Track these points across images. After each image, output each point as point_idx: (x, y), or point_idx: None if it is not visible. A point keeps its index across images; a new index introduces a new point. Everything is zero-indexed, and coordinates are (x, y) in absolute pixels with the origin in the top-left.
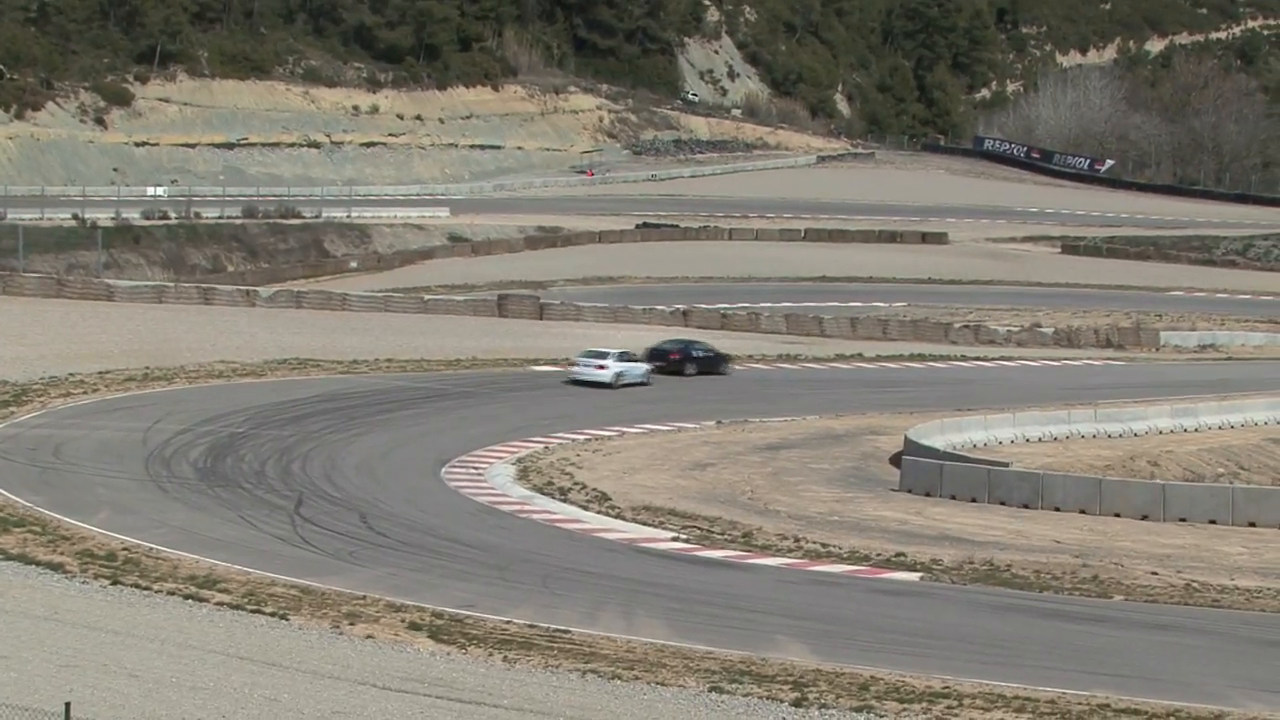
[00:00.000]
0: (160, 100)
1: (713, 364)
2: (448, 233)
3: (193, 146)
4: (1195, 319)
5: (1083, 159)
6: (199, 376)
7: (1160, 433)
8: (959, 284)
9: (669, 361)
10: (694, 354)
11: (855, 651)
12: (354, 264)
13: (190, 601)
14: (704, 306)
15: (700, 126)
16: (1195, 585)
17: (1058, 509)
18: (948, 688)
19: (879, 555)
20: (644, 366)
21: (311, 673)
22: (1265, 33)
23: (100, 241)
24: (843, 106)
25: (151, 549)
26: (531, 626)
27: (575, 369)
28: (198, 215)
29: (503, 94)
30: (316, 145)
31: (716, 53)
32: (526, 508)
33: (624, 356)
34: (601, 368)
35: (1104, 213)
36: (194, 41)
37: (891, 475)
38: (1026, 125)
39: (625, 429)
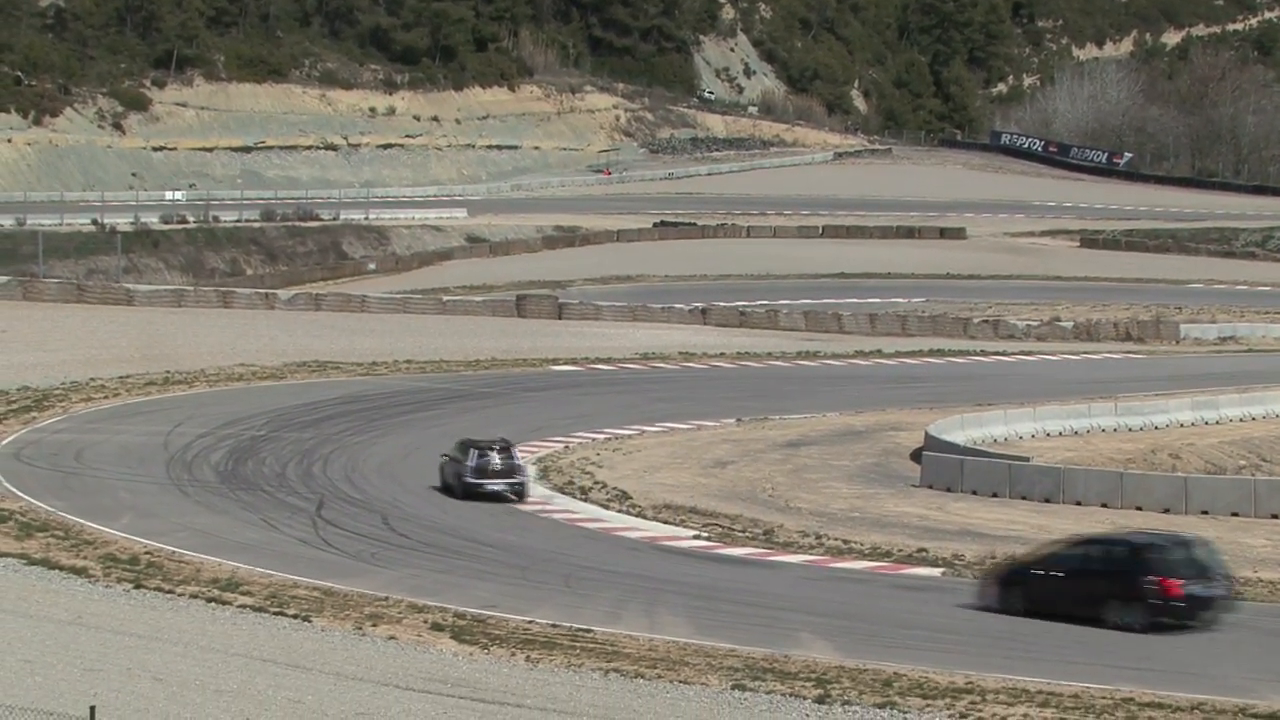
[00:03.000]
0: (177, 105)
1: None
2: (465, 233)
3: (210, 150)
4: (1215, 311)
5: (1101, 152)
6: (219, 380)
7: (1181, 425)
8: (978, 279)
9: None
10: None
11: (878, 648)
12: (372, 266)
13: (213, 604)
14: (723, 304)
15: (717, 124)
16: None
17: (1079, 503)
18: (971, 683)
19: (901, 551)
20: None
21: (335, 674)
22: None
23: (119, 246)
24: (859, 103)
25: (174, 552)
26: (554, 626)
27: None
28: (216, 219)
29: (519, 94)
30: (334, 148)
31: (732, 50)
32: (547, 507)
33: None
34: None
35: (1122, 206)
36: (210, 45)
37: (912, 471)
38: (1044, 119)
39: (645, 427)
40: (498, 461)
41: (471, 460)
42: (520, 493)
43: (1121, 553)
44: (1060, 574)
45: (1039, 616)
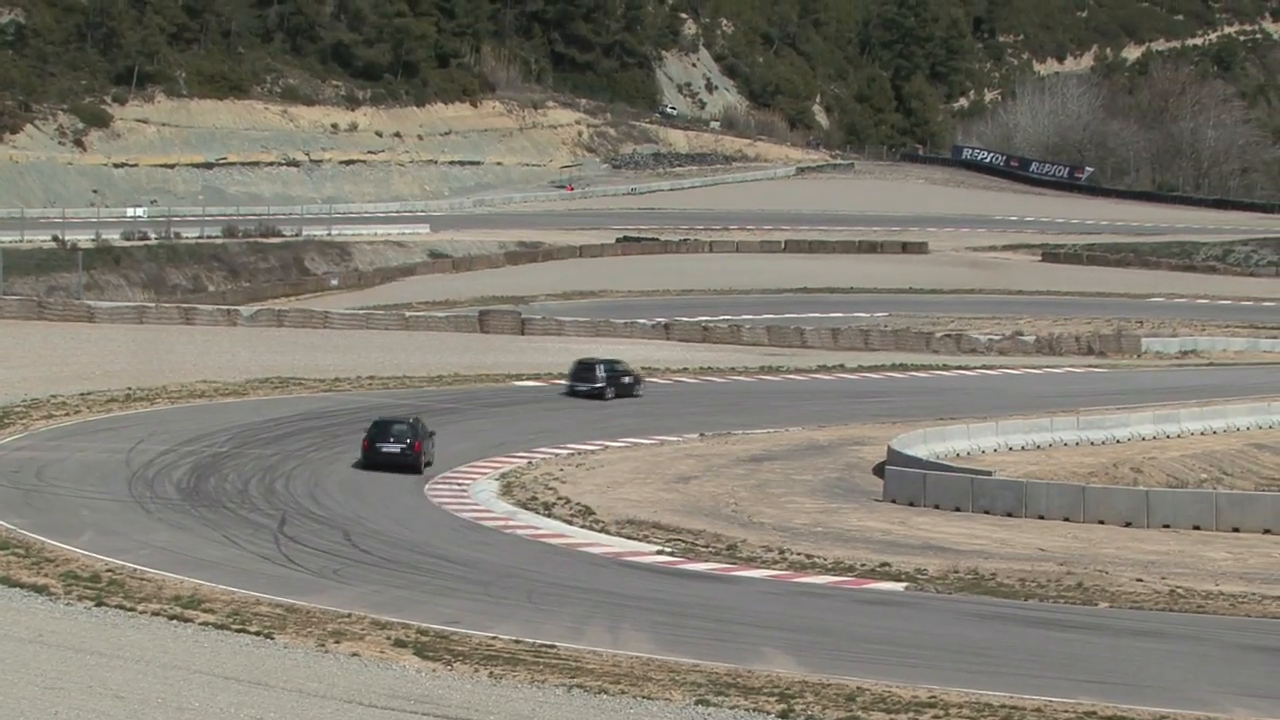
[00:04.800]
0: (139, 121)
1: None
2: (428, 249)
3: (172, 167)
4: (1176, 325)
5: (1062, 167)
6: (181, 396)
7: (1143, 439)
8: (940, 293)
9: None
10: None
11: (841, 662)
12: (335, 282)
13: (175, 622)
14: (685, 319)
15: (679, 139)
16: (1180, 591)
17: (1041, 517)
18: (934, 697)
19: (864, 565)
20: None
21: (298, 691)
22: (1241, 39)
23: (80, 263)
24: (821, 117)
25: (136, 570)
26: (517, 642)
27: None
28: (178, 235)
29: (481, 110)
30: (296, 164)
31: (694, 65)
32: (510, 523)
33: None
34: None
35: (1083, 220)
36: (172, 62)
37: (875, 485)
38: (1005, 134)
39: (608, 443)
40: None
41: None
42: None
43: None
44: None
45: None
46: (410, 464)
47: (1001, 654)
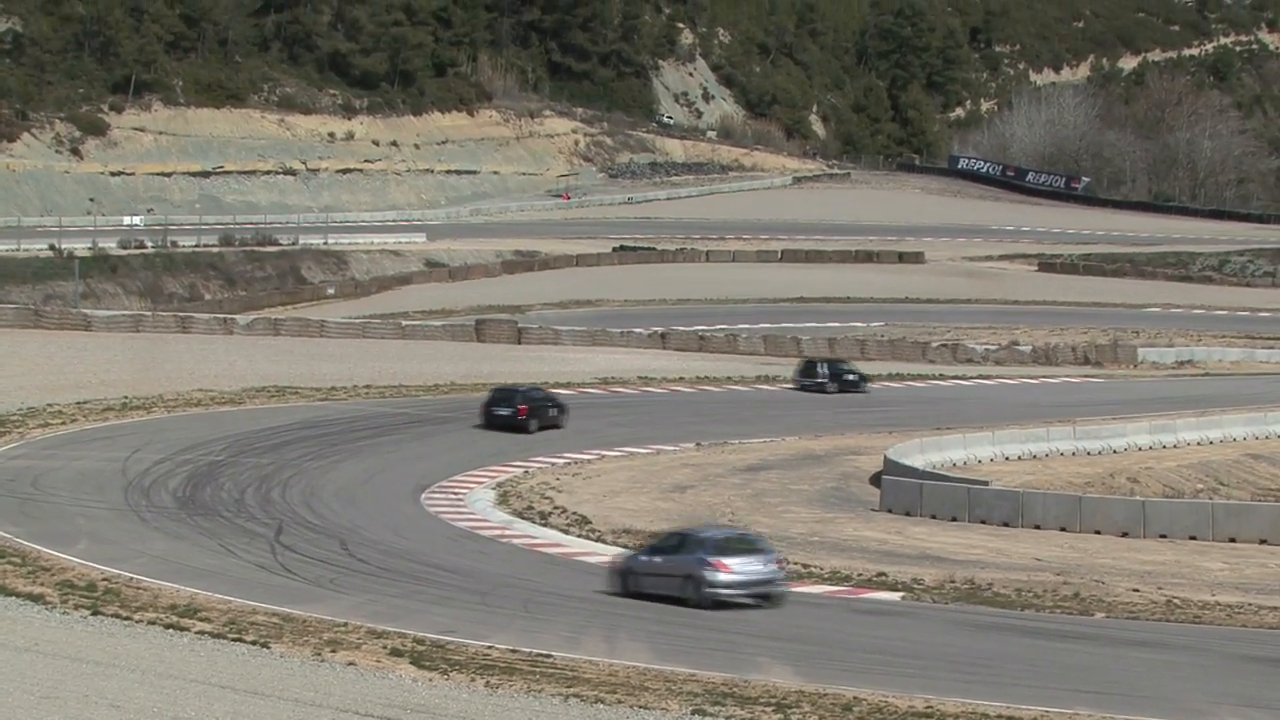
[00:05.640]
0: (135, 130)
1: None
2: (425, 258)
3: (168, 175)
4: (1172, 335)
5: (1058, 176)
6: (177, 405)
7: (1139, 449)
8: (936, 303)
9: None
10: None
11: (838, 672)
12: (331, 291)
13: (171, 631)
14: (682, 329)
15: (676, 149)
16: (1176, 601)
17: (1038, 527)
18: (931, 708)
19: (860, 575)
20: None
21: (294, 701)
22: (1237, 49)
23: (77, 271)
24: (818, 127)
25: (132, 579)
26: (513, 651)
27: None
28: (174, 244)
29: (478, 119)
30: (292, 172)
31: (691, 75)
32: (507, 532)
33: None
34: None
35: (1080, 230)
36: (168, 70)
37: (871, 495)
38: (1001, 144)
39: (605, 452)
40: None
41: None
42: None
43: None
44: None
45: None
46: (518, 426)
47: (998, 664)
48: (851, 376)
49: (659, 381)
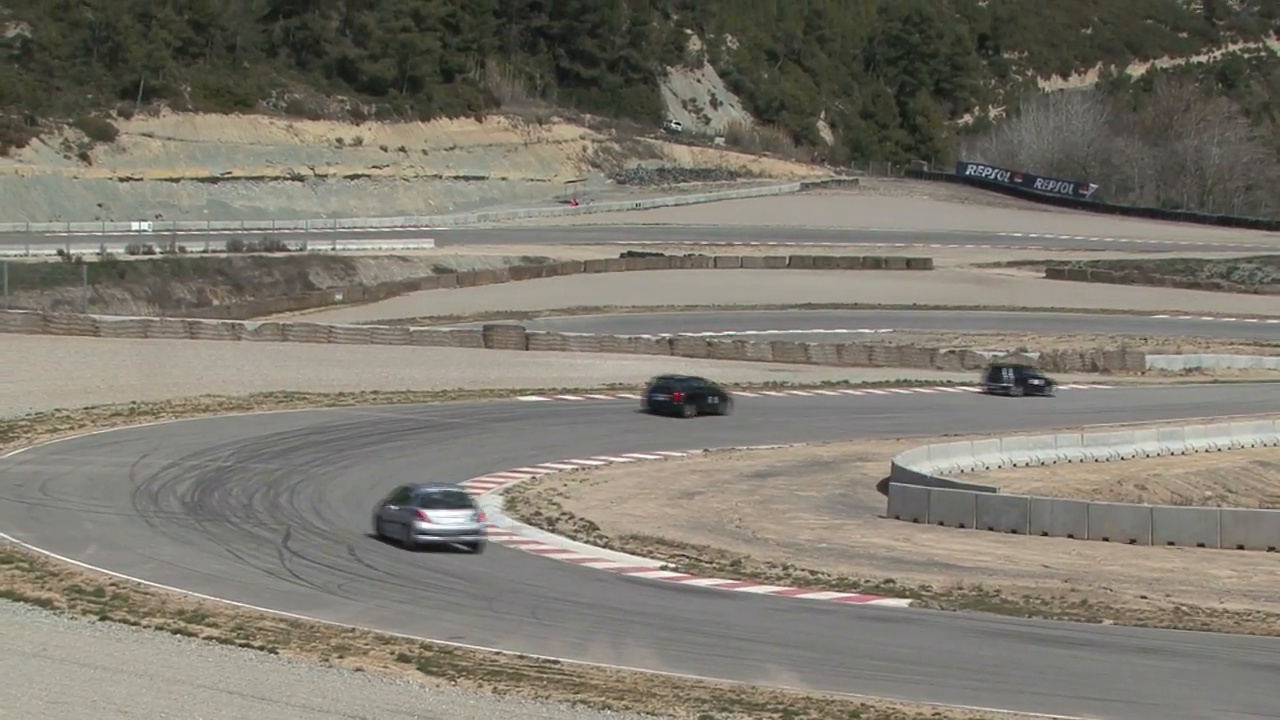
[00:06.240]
0: (144, 135)
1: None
2: (433, 264)
3: (177, 181)
4: (1180, 342)
5: (1066, 183)
6: (185, 411)
7: (1147, 456)
8: (944, 309)
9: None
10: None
11: (845, 679)
12: (339, 296)
13: (179, 636)
14: (689, 335)
15: (684, 155)
16: (1184, 609)
17: (1046, 534)
18: (938, 714)
19: (868, 582)
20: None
21: (301, 706)
22: (1246, 56)
23: (85, 277)
24: (826, 133)
25: (139, 584)
26: (521, 657)
27: None
28: (182, 249)
29: (486, 125)
30: (300, 178)
31: (699, 81)
32: (514, 538)
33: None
34: None
35: (1088, 237)
36: (177, 76)
37: (879, 502)
38: (1009, 150)
39: (612, 458)
40: None
41: None
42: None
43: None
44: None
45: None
46: (674, 411)
47: (1006, 671)
48: (1036, 381)
49: None
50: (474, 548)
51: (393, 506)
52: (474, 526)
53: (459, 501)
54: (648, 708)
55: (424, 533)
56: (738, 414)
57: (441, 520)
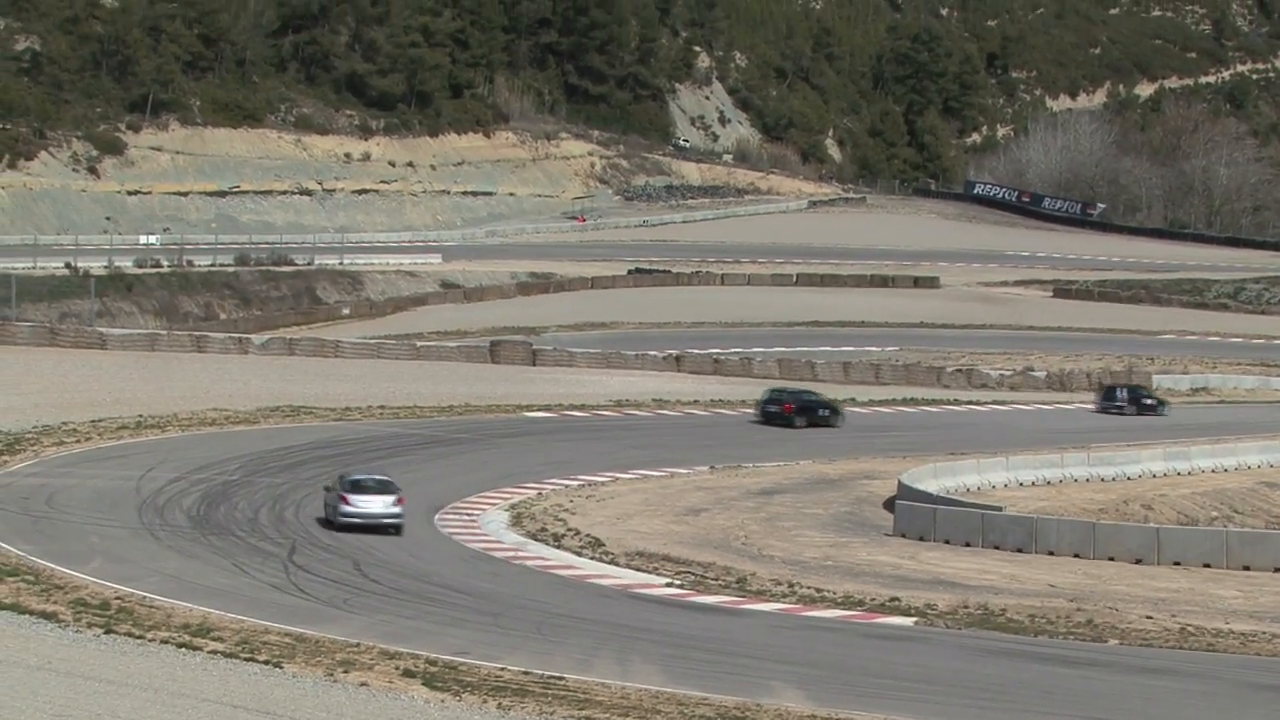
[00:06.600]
0: (152, 149)
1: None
2: (440, 279)
3: (185, 195)
4: (1187, 362)
5: (1074, 203)
6: (192, 424)
7: (1153, 476)
8: (951, 328)
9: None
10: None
11: (850, 697)
12: (346, 311)
13: (184, 650)
14: (696, 352)
15: (692, 172)
16: (1190, 629)
17: (1051, 553)
18: None
19: (873, 600)
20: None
21: None
22: (1254, 77)
23: (93, 290)
24: (834, 151)
25: (145, 597)
26: (526, 673)
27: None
28: (190, 263)
29: (494, 140)
30: (308, 193)
31: (707, 98)
32: (520, 554)
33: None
34: None
35: (1095, 256)
36: (186, 90)
37: (885, 520)
38: (1017, 169)
39: (619, 474)
40: None
41: None
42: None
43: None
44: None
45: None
46: (785, 421)
47: (1011, 690)
48: (1150, 401)
49: (673, 404)
50: (396, 530)
51: (328, 491)
52: (394, 510)
53: (381, 488)
54: None
55: (346, 515)
56: (744, 430)
57: (362, 504)
